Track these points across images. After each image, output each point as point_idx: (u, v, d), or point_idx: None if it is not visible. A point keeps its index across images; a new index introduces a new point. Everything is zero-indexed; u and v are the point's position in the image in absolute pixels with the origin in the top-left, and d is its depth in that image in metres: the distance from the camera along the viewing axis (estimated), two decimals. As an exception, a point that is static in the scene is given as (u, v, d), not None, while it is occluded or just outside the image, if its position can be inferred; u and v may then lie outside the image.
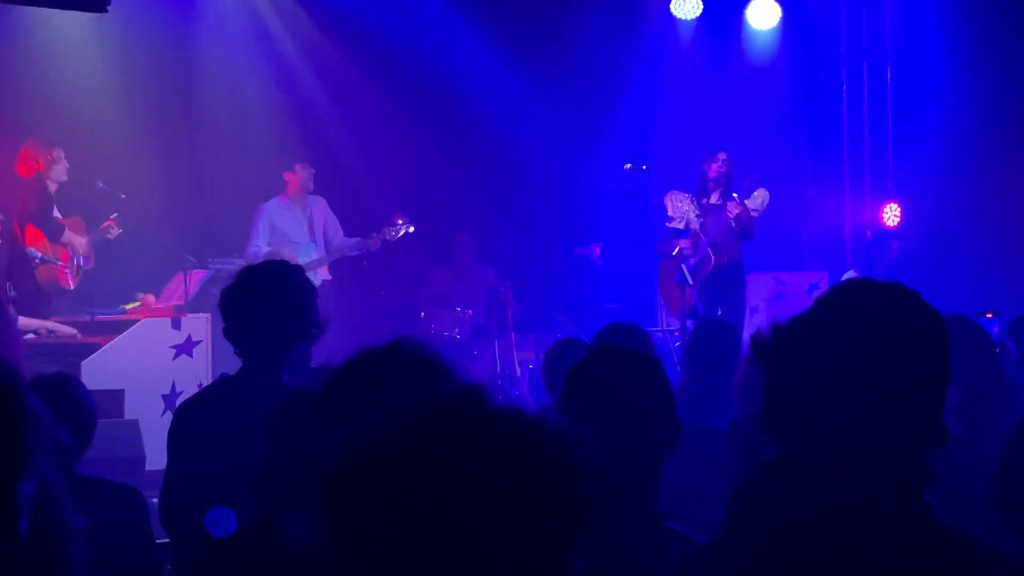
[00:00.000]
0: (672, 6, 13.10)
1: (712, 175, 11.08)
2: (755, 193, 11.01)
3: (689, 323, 10.04)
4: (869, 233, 13.27)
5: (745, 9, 13.39)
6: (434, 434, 1.57)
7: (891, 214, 13.14)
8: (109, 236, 10.53)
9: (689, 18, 13.23)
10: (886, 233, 12.52)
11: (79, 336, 9.46)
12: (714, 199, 11.08)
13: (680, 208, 11.11)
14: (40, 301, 9.76)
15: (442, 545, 1.52)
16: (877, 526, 2.13)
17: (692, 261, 10.83)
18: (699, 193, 11.10)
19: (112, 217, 10.52)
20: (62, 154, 10.14)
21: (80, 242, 10.25)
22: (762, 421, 2.21)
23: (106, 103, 11.65)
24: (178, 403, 4.52)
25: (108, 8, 7.08)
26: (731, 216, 10.85)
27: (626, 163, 11.00)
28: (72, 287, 10.09)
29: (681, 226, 11.06)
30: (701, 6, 13.13)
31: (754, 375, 2.24)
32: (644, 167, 10.95)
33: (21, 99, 11.11)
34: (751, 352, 2.21)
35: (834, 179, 13.74)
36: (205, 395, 4.46)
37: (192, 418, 4.28)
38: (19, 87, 11.17)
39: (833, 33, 13.65)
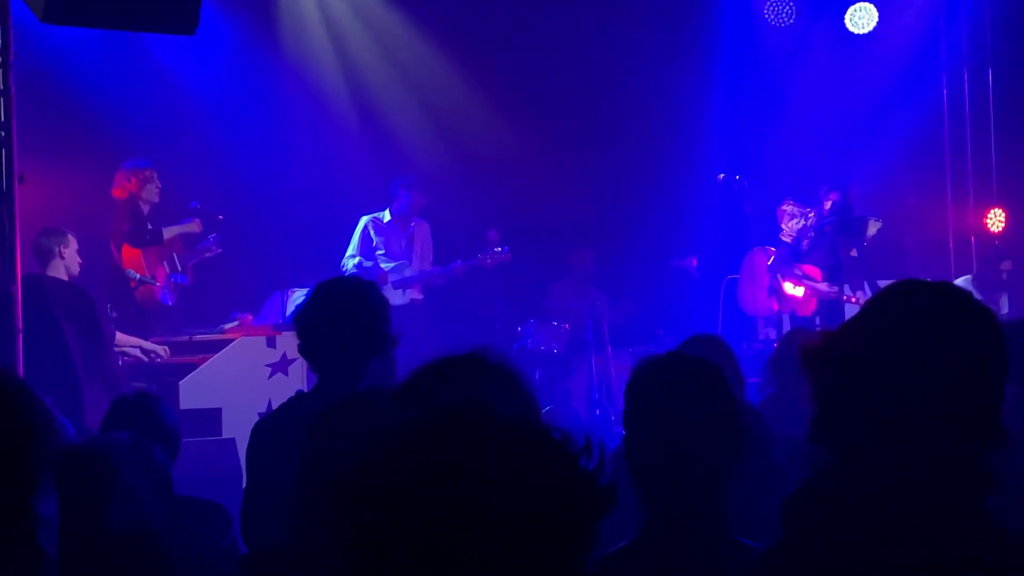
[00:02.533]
0: (766, 13, 12.97)
1: (825, 213, 11.12)
2: (871, 221, 11.06)
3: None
4: (973, 239, 13.03)
5: (843, 15, 13.21)
6: (434, 446, 1.55)
7: (995, 219, 12.87)
8: (208, 255, 10.64)
9: (784, 25, 13.09)
10: (997, 251, 12.27)
11: (167, 354, 9.56)
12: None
13: (793, 226, 11.14)
14: (139, 321, 9.90)
15: (439, 557, 1.49)
16: (936, 534, 2.07)
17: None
18: (817, 223, 11.15)
19: (211, 237, 10.63)
20: (154, 174, 10.26)
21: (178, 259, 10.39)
22: (814, 430, 2.15)
23: (201, 122, 11.79)
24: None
25: (196, 30, 7.11)
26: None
27: (720, 173, 10.93)
28: (170, 304, 10.22)
29: (790, 240, 11.12)
30: (795, 13, 12.99)
31: (805, 383, 2.18)
32: (738, 177, 10.86)
33: (117, 121, 11.28)
34: (801, 360, 2.16)
35: (936, 185, 13.50)
36: (280, 412, 4.47)
37: (268, 435, 4.29)
38: (115, 109, 11.35)
39: (932, 37, 13.43)
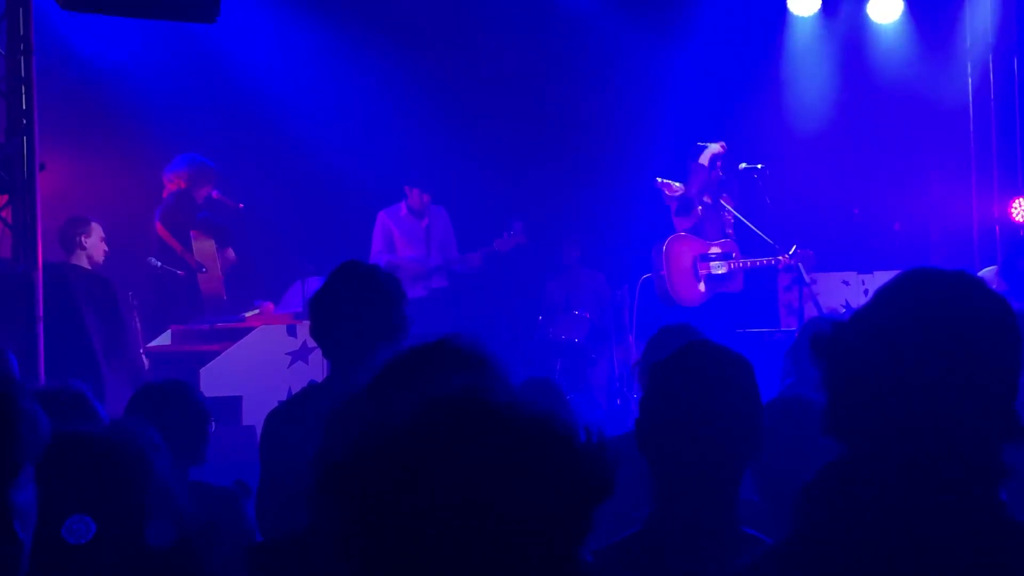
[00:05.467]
0: (789, 2, 12.89)
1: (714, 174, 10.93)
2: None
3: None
4: (998, 229, 12.94)
5: (866, 3, 13.14)
6: (432, 431, 1.54)
7: (1020, 209, 12.78)
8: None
9: (807, 14, 13.02)
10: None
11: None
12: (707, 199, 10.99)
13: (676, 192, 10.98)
14: (163, 309, 9.93)
15: (440, 543, 1.48)
16: (950, 528, 2.04)
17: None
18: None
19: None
20: (200, 171, 10.27)
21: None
22: (825, 420, 2.12)
23: (222, 110, 11.80)
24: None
25: (217, 19, 7.10)
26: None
27: (741, 163, 10.86)
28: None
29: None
30: (820, 1, 12.92)
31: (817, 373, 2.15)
32: (760, 166, 10.79)
33: (139, 108, 11.29)
34: (811, 350, 2.13)
35: (961, 175, 13.42)
36: (294, 401, 4.47)
37: (281, 424, 4.29)
38: (137, 96, 11.36)
39: (957, 26, 13.35)
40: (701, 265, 10.75)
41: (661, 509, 2.86)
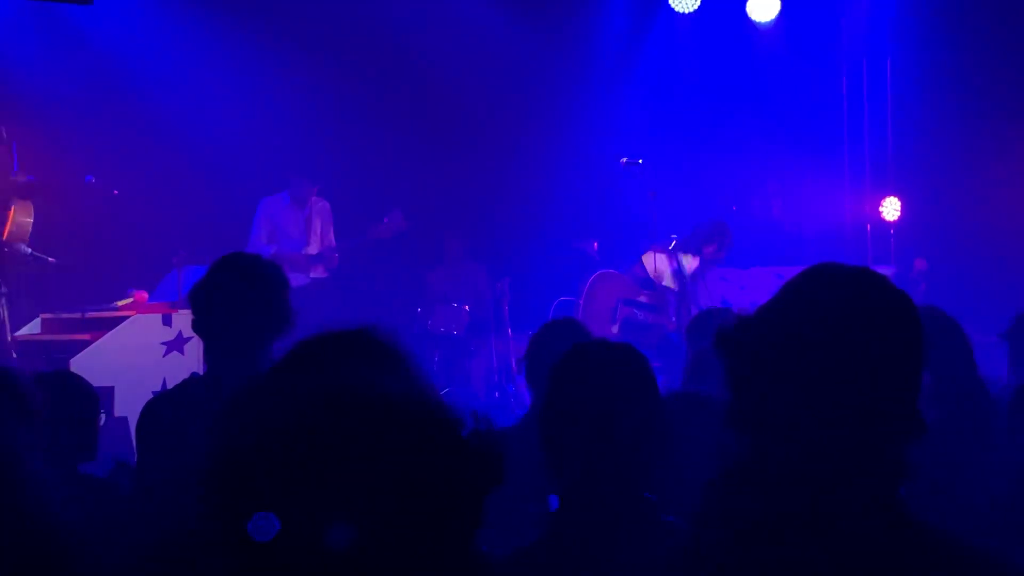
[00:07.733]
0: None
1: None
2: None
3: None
4: (869, 227, 13.17)
5: (745, 3, 13.29)
6: (317, 422, 1.52)
7: (890, 208, 13.04)
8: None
9: (687, 11, 13.13)
10: (908, 248, 12.41)
11: None
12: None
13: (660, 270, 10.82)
14: (30, 295, 9.69)
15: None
16: (849, 525, 2.03)
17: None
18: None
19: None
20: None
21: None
22: (728, 415, 2.11)
23: (100, 97, 11.56)
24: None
25: (93, 1, 6.95)
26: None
27: (623, 157, 10.93)
28: None
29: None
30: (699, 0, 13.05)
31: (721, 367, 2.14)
32: (640, 161, 10.87)
33: (10, 94, 11.02)
34: (715, 344, 2.11)
35: (834, 173, 13.65)
36: (173, 393, 4.36)
37: (160, 416, 4.19)
38: (8, 82, 11.09)
39: (833, 27, 13.57)
40: (623, 308, 10.57)
41: (568, 508, 2.85)
